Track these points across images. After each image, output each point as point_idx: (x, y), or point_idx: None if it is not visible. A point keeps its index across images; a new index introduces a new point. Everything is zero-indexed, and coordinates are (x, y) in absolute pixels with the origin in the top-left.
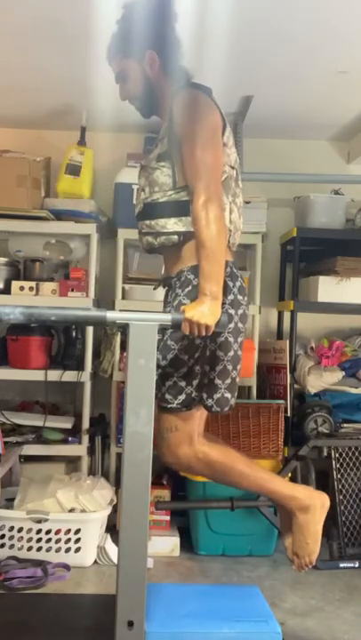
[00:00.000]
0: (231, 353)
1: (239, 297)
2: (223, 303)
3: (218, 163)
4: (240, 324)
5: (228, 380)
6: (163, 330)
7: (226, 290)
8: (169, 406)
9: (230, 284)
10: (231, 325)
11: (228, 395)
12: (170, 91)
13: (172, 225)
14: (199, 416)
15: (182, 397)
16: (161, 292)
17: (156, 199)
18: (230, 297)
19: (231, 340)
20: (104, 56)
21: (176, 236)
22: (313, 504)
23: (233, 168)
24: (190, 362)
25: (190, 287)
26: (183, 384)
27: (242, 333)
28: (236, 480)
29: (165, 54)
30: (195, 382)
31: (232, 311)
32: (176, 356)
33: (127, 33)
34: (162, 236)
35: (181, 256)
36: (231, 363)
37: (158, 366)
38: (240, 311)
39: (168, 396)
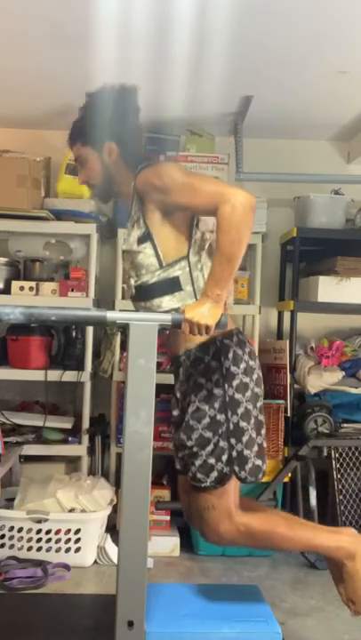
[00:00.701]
0: (253, 421)
1: (251, 363)
2: (236, 374)
3: (211, 178)
4: (257, 389)
5: (256, 448)
6: (182, 408)
7: (237, 359)
8: (203, 485)
9: (240, 352)
10: (248, 393)
11: (258, 462)
12: (129, 177)
13: (167, 302)
14: (233, 489)
15: (214, 475)
16: None
17: (146, 281)
18: (242, 365)
19: (250, 407)
20: (104, 56)
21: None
22: (359, 550)
23: (212, 232)
24: (215, 438)
25: (203, 366)
26: (213, 461)
27: (260, 397)
28: (280, 545)
29: (125, 146)
30: (224, 458)
31: (247, 379)
32: (200, 435)
33: (88, 121)
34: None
35: (184, 334)
36: (255, 430)
37: (185, 447)
38: (255, 376)
39: (200, 476)
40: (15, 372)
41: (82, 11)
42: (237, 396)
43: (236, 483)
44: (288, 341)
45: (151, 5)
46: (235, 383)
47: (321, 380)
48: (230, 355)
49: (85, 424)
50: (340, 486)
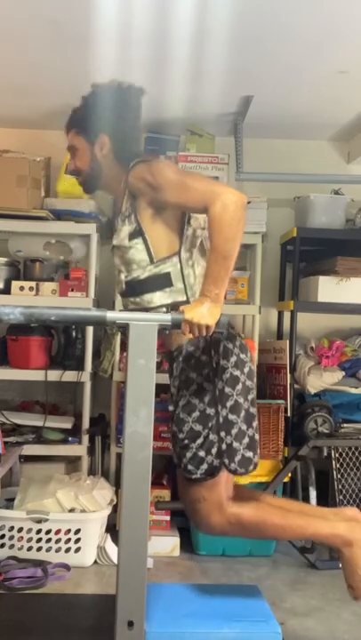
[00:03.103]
0: (243, 414)
1: (242, 356)
2: (226, 368)
3: (203, 176)
4: (248, 382)
5: (246, 440)
6: (175, 402)
7: (227, 353)
8: (193, 477)
9: (230, 346)
10: (239, 387)
11: (249, 454)
12: (119, 173)
13: (159, 298)
14: (225, 481)
15: (205, 467)
16: None
17: (137, 276)
18: (233, 359)
19: (241, 400)
20: (104, 56)
21: (164, 309)
22: (356, 537)
23: (204, 229)
24: (205, 431)
25: (193, 360)
26: (203, 454)
27: (252, 390)
28: (273, 534)
29: (118, 142)
30: (214, 450)
31: (237, 372)
32: (191, 428)
33: (86, 112)
34: (150, 311)
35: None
36: (245, 423)
37: (177, 439)
38: (246, 369)
39: (191, 467)
40: (15, 372)
41: (82, 11)
42: (227, 389)
43: (227, 475)
44: (288, 341)
45: (151, 5)
46: (225, 377)
47: (321, 380)
48: (220, 349)
49: (85, 424)
50: (340, 486)
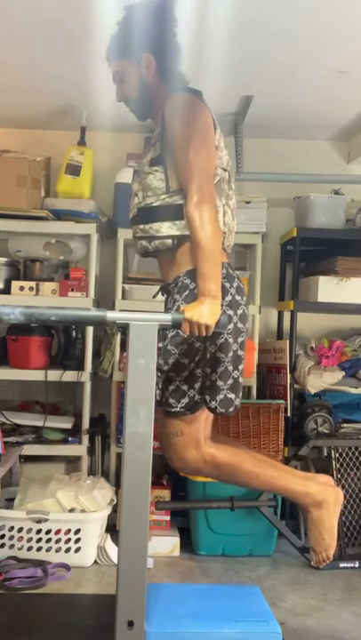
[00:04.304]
0: (231, 354)
1: (237, 297)
2: (221, 305)
3: (210, 165)
4: (240, 324)
5: (230, 381)
6: (163, 335)
7: (223, 291)
8: (173, 410)
9: (227, 285)
10: (230, 326)
11: (231, 395)
12: (164, 95)
13: (167, 229)
14: (204, 419)
15: (185, 401)
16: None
17: (150, 203)
18: (228, 298)
19: (231, 340)
20: (104, 56)
21: (170, 240)
22: (326, 499)
23: (225, 170)
24: (191, 365)
25: (187, 292)
26: (186, 388)
27: (243, 333)
28: (245, 480)
29: (163, 58)
30: (197, 385)
31: (230, 312)
32: (177, 360)
33: (126, 35)
34: (156, 240)
35: (177, 261)
36: (232, 363)
37: (160, 371)
38: (239, 311)
39: (171, 400)
40: (15, 371)
41: (82, 11)
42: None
43: (207, 413)
44: (288, 341)
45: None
46: None
47: (321, 380)
48: None
49: (85, 424)
50: (339, 486)
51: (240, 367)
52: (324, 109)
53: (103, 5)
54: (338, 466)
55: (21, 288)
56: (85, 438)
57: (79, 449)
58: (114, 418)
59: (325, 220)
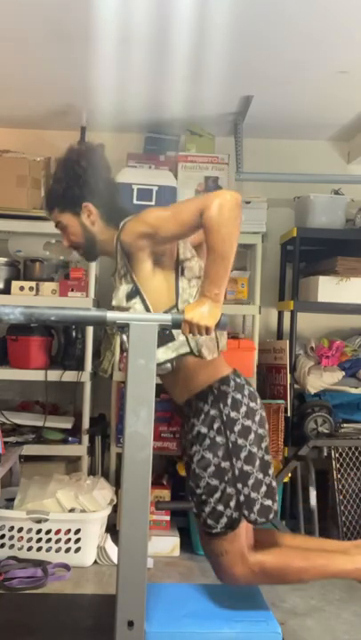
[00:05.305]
0: (258, 462)
1: (252, 404)
2: (237, 419)
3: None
4: (261, 430)
5: (263, 488)
6: (189, 459)
7: (236, 403)
8: (214, 531)
9: (238, 396)
10: (251, 436)
11: (268, 502)
12: (112, 233)
13: (162, 354)
14: (245, 531)
15: (224, 521)
16: None
17: None
18: (243, 409)
19: (255, 449)
20: (104, 56)
21: (169, 365)
22: None
23: (199, 278)
24: (222, 485)
25: (203, 415)
26: (221, 508)
27: (265, 438)
28: (297, 579)
29: (102, 204)
30: (232, 504)
31: (248, 422)
32: (207, 483)
33: (62, 186)
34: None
35: (182, 382)
36: (261, 471)
37: (194, 494)
38: (257, 417)
39: (210, 522)
40: (15, 372)
41: (82, 11)
42: (240, 441)
43: (247, 524)
44: (288, 341)
45: (151, 5)
46: (236, 429)
47: (321, 380)
48: (229, 400)
49: (85, 424)
50: (340, 486)
51: (270, 471)
52: (324, 109)
53: (103, 5)
54: (338, 466)
55: (21, 288)
56: (85, 438)
57: (79, 449)
58: (114, 418)
59: (325, 220)
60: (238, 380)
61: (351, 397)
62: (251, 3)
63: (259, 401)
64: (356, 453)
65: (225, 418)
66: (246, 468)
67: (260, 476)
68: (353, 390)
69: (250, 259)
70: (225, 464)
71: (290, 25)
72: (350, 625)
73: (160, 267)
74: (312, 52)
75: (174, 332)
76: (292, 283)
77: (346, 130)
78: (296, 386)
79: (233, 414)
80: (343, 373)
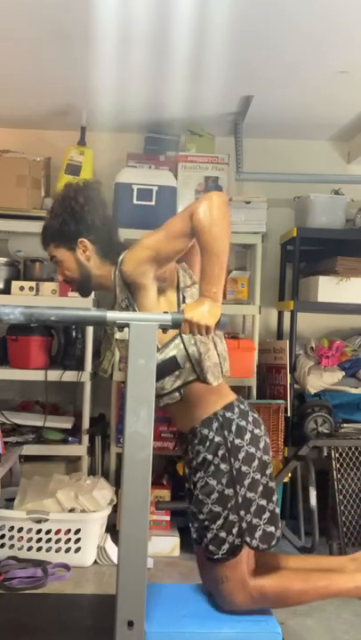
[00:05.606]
0: (261, 488)
1: (256, 431)
2: (241, 446)
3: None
4: (265, 457)
5: (266, 515)
6: (193, 485)
7: (240, 431)
8: (215, 557)
9: (243, 423)
10: (255, 463)
11: (270, 529)
12: (108, 268)
13: (170, 383)
14: (246, 557)
15: (226, 547)
16: None
17: None
18: (247, 436)
19: (258, 476)
20: (104, 56)
21: (177, 393)
22: None
23: None
24: (225, 512)
25: (208, 442)
26: (224, 535)
27: (269, 464)
28: (298, 601)
29: (97, 240)
30: (234, 530)
31: (253, 449)
32: (210, 509)
33: (58, 222)
34: (164, 397)
35: (187, 410)
36: (264, 498)
37: (196, 519)
38: (261, 444)
39: (212, 548)
40: (15, 372)
41: (82, 11)
42: (244, 468)
43: (248, 550)
44: (288, 341)
45: (151, 5)
46: (240, 456)
47: (321, 380)
48: (233, 427)
49: (85, 424)
50: (340, 486)
51: (274, 498)
52: (324, 109)
53: (103, 5)
54: (338, 466)
55: (21, 288)
56: (85, 438)
57: (79, 449)
58: (114, 418)
59: (325, 219)
60: (242, 407)
61: (351, 397)
62: (251, 3)
63: (263, 427)
64: (357, 453)
65: (230, 445)
66: (249, 494)
67: (264, 502)
68: (353, 390)
69: (250, 259)
70: (228, 491)
71: (290, 25)
72: (350, 625)
73: (163, 295)
74: (312, 53)
75: (180, 360)
76: (292, 283)
77: (346, 130)
78: (296, 386)
79: (237, 441)
80: (343, 373)
